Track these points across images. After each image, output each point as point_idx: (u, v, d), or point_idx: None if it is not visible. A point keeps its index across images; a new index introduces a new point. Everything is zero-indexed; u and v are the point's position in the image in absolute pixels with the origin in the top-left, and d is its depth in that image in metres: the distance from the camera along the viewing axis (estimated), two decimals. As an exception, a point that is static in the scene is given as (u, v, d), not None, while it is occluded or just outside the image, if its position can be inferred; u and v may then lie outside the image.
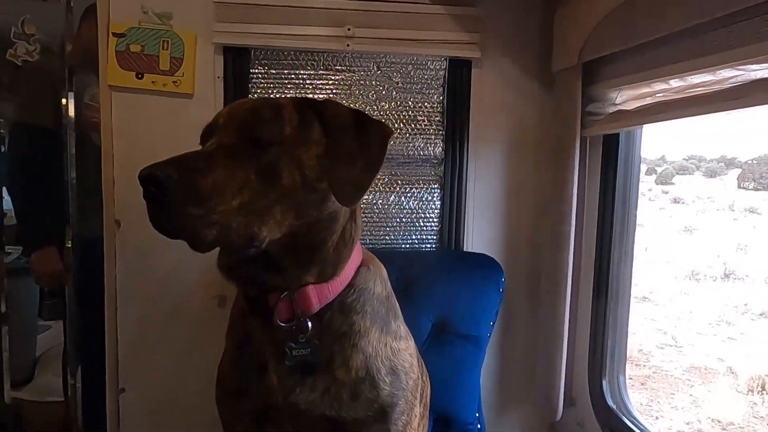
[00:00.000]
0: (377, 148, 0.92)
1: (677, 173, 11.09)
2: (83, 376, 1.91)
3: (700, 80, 1.11)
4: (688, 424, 4.11)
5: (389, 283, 1.08)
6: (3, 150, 2.04)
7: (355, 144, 0.90)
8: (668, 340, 5.44)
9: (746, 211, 8.84)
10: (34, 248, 2.02)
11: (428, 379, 1.23)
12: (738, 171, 10.48)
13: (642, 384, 4.58)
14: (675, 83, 1.18)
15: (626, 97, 1.37)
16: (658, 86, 1.23)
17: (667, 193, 10.15)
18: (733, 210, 9.14)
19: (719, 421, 4.13)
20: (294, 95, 1.63)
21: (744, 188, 9.97)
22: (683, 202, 9.76)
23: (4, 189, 2.03)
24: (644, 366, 4.88)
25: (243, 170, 0.83)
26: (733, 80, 1.04)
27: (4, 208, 2.04)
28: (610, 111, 1.44)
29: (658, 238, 7.70)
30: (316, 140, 0.90)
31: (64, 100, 1.87)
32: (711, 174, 11.04)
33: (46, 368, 2.97)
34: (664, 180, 10.52)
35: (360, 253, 1.02)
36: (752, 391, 4.52)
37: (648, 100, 1.32)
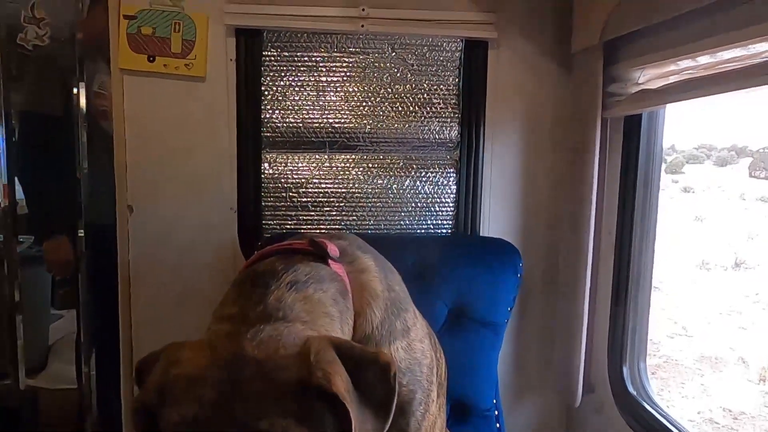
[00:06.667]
0: (389, 395, 0.75)
1: (687, 162, 11.00)
2: (97, 363, 1.92)
3: (731, 56, 1.07)
4: (699, 413, 4.10)
5: (387, 289, 0.96)
6: (14, 140, 2.03)
7: (368, 405, 0.73)
8: (678, 329, 5.41)
9: (758, 200, 8.76)
10: (46, 237, 2.02)
11: (442, 356, 1.17)
12: (749, 160, 10.40)
13: (652, 373, 4.56)
14: (704, 60, 1.14)
15: (650, 76, 1.33)
16: (685, 63, 1.19)
17: (676, 182, 10.08)
18: (744, 199, 9.08)
19: (730, 411, 4.11)
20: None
21: (755, 177, 9.89)
22: (693, 192, 9.70)
23: (16, 178, 2.03)
24: (654, 355, 4.86)
25: None
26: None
27: (17, 197, 2.04)
28: (633, 91, 1.40)
29: (668, 228, 7.65)
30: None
31: (75, 89, 1.85)
32: (722, 163, 10.96)
33: (58, 357, 2.98)
34: (674, 169, 10.43)
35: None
36: (764, 380, 4.51)
37: (673, 79, 1.28)
